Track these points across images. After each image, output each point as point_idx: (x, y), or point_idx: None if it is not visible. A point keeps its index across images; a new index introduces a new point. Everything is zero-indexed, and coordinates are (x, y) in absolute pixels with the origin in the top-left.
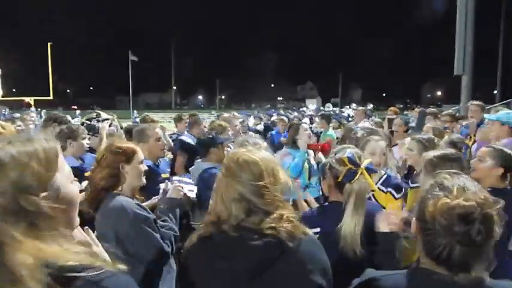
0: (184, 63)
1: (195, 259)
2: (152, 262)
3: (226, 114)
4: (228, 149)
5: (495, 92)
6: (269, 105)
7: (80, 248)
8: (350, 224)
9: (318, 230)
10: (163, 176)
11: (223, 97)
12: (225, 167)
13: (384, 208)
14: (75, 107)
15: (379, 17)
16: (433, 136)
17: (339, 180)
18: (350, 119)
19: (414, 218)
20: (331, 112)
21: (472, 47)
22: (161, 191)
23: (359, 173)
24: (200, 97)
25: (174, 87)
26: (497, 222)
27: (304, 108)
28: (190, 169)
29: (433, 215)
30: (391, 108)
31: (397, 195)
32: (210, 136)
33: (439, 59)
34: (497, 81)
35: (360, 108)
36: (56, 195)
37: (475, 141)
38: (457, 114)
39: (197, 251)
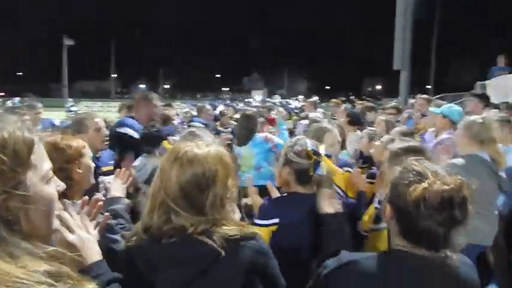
0: (125, 49)
1: (124, 272)
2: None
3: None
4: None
5: (429, 87)
6: (212, 97)
7: (44, 266)
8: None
9: (276, 220)
10: (104, 169)
11: (167, 86)
12: (162, 165)
13: (344, 192)
14: (2, 94)
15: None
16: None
17: (310, 173)
18: (296, 110)
19: (387, 205)
20: (279, 103)
21: (410, 44)
22: (103, 192)
23: (322, 162)
24: (142, 86)
25: (114, 75)
26: (470, 203)
27: (251, 99)
28: (134, 165)
29: (417, 200)
30: (333, 100)
31: (352, 170)
32: (155, 129)
33: (379, 55)
34: (431, 77)
35: (310, 99)
36: (24, 198)
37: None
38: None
39: (126, 262)
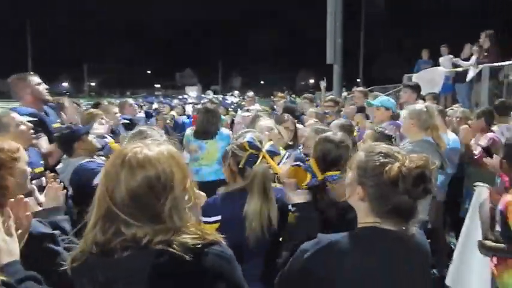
0: (45, 44)
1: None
2: None
3: (107, 102)
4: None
5: (358, 80)
6: (145, 93)
7: None
8: (254, 208)
9: (219, 217)
10: (36, 170)
11: (92, 84)
12: (107, 169)
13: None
14: None
15: (257, 8)
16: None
17: (241, 166)
18: (233, 106)
19: (358, 187)
20: (213, 99)
21: (341, 39)
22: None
23: (260, 157)
24: (65, 84)
25: (32, 73)
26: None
27: (186, 96)
28: (56, 169)
29: (395, 178)
30: (279, 94)
31: (303, 166)
32: (68, 130)
33: (312, 49)
34: (360, 70)
35: (249, 94)
36: None
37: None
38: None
39: (75, 278)
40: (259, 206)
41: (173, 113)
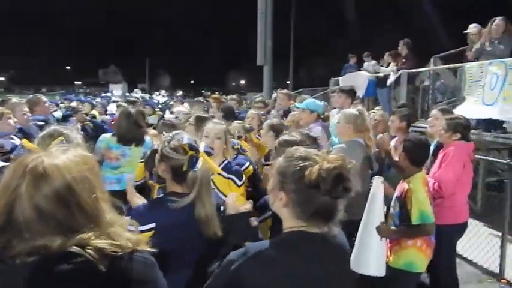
0: None
1: None
2: None
3: (14, 100)
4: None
5: (288, 82)
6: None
7: None
8: (206, 211)
9: (152, 225)
10: None
11: (1, 79)
12: (6, 182)
13: (222, 193)
14: None
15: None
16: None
17: (185, 169)
18: (160, 106)
19: (281, 193)
20: (140, 98)
21: (271, 41)
22: None
23: (200, 158)
24: None
25: None
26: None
27: (109, 94)
28: None
29: (316, 181)
30: (213, 95)
31: (239, 182)
32: None
33: (243, 50)
34: (290, 72)
35: (178, 94)
36: None
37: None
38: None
39: None
40: (210, 210)
41: (94, 112)
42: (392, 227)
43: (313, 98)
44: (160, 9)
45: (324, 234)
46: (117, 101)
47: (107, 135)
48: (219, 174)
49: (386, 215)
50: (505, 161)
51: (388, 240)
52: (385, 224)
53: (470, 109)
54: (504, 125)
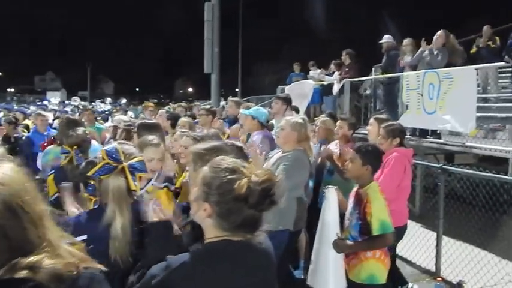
0: None
1: None
2: None
3: None
4: None
5: (237, 90)
6: None
7: None
8: (117, 226)
9: (84, 237)
10: None
11: None
12: None
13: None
14: None
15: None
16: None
17: (89, 174)
18: (105, 113)
19: (204, 204)
20: (81, 106)
21: (218, 49)
22: None
23: (118, 169)
24: None
25: None
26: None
27: (46, 102)
28: None
29: (245, 194)
30: (148, 103)
31: (172, 188)
32: None
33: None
34: (238, 80)
35: (122, 102)
36: None
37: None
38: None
39: None
40: (120, 224)
41: (28, 121)
42: (349, 242)
43: (261, 105)
44: (106, 12)
45: (249, 241)
46: (54, 110)
47: (50, 147)
48: (154, 186)
49: (341, 226)
50: (438, 165)
51: (345, 254)
52: (341, 238)
53: (414, 118)
54: (438, 131)
